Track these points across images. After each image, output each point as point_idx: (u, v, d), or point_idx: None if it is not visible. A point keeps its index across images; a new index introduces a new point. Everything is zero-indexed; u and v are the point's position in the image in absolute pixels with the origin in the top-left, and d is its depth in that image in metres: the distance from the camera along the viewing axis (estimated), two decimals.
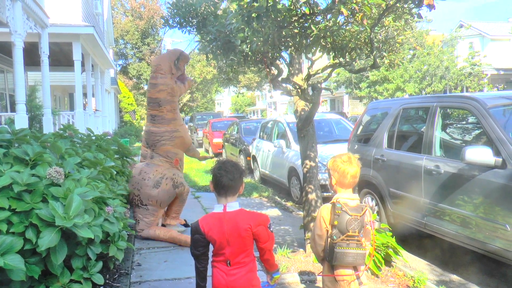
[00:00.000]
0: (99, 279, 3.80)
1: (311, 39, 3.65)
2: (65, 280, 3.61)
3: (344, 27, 3.76)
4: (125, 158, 7.17)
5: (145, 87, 44.76)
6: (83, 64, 14.51)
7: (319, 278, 4.62)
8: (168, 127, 5.93)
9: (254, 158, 12.24)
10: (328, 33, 3.54)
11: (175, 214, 6.18)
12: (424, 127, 5.53)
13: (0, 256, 3.06)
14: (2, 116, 11.42)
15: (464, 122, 5.37)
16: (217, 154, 18.84)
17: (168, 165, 5.95)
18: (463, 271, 5.05)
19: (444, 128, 5.40)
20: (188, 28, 4.48)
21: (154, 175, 5.82)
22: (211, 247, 2.72)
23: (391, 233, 5.02)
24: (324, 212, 2.86)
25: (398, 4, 3.45)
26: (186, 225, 6.31)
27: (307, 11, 3.34)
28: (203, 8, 4.28)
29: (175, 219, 6.17)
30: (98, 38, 14.30)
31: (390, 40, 4.78)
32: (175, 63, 5.85)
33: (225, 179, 2.62)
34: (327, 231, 2.82)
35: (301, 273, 4.70)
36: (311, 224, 5.04)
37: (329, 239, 2.79)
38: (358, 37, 3.98)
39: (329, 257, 2.79)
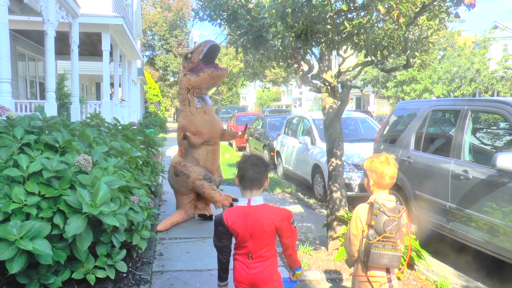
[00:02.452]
0: (122, 267, 3.86)
1: (343, 35, 3.60)
2: (89, 266, 3.67)
3: (378, 24, 3.70)
4: (150, 149, 7.25)
5: (172, 79, 45.13)
6: (111, 54, 14.69)
7: (345, 277, 4.59)
8: (179, 118, 6.44)
9: (278, 153, 12.22)
10: (361, 30, 3.49)
11: (207, 200, 6.38)
12: (454, 130, 5.41)
13: (30, 240, 3.12)
14: (32, 103, 11.64)
15: (495, 127, 5.23)
16: (241, 148, 18.88)
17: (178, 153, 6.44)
18: (488, 280, 4.94)
19: (474, 132, 5.28)
20: (218, 21, 4.47)
21: (170, 162, 6.49)
22: (234, 240, 2.72)
23: (414, 236, 4.95)
24: (361, 211, 2.82)
25: (435, 2, 3.37)
26: (210, 218, 6.38)
27: (344, 7, 3.29)
28: (234, 1, 4.26)
29: (216, 200, 5.96)
30: (127, 29, 14.45)
31: (423, 39, 4.69)
32: (187, 57, 6.13)
33: (251, 172, 2.62)
34: (363, 231, 2.77)
35: (325, 272, 4.67)
36: (335, 223, 5.00)
37: (364, 239, 2.75)
38: (392, 35, 3.91)
39: (365, 258, 2.75)
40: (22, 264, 3.13)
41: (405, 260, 2.87)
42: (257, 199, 2.65)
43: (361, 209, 2.83)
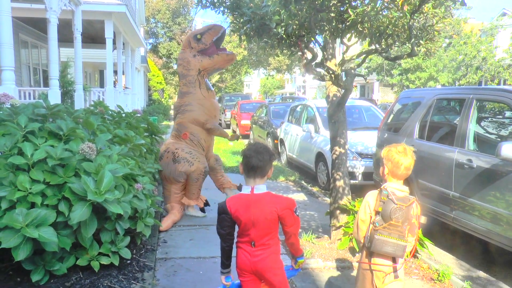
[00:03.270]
0: (126, 254, 3.89)
1: (347, 23, 3.57)
2: (94, 253, 3.71)
3: (383, 12, 3.66)
4: (154, 136, 7.25)
5: (175, 67, 45.01)
6: (114, 42, 14.66)
7: (348, 265, 4.61)
8: (182, 100, 6.12)
9: (282, 141, 12.21)
10: (365, 18, 3.46)
11: (189, 193, 6.06)
12: (458, 119, 5.39)
13: (35, 228, 3.15)
14: (36, 91, 11.66)
15: (500, 116, 5.20)
16: (245, 136, 18.89)
17: (176, 139, 6.11)
18: (491, 268, 4.96)
19: (479, 121, 5.25)
20: (221, 9, 4.44)
21: (162, 148, 6.16)
22: (237, 228, 2.73)
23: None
24: (370, 197, 2.84)
25: None
26: (206, 204, 6.32)
27: None
28: None
29: (192, 199, 6.07)
30: (130, 17, 14.39)
31: (428, 27, 4.65)
32: (196, 37, 5.99)
33: (255, 160, 2.62)
34: (371, 217, 2.79)
35: (327, 260, 4.69)
36: (338, 212, 5.02)
37: (371, 225, 2.76)
38: (396, 23, 3.87)
39: (369, 244, 2.76)
40: (27, 252, 3.17)
41: (410, 253, 2.85)
42: (260, 187, 2.66)
43: (371, 195, 2.85)
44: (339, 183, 5.03)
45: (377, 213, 2.74)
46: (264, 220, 2.61)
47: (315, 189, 8.69)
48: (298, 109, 11.78)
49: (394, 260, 2.79)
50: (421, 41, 4.67)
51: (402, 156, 2.75)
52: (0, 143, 3.56)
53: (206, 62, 5.99)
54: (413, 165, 2.81)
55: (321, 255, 4.81)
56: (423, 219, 2.85)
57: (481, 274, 4.81)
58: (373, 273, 2.81)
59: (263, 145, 2.77)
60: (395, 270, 2.78)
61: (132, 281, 3.73)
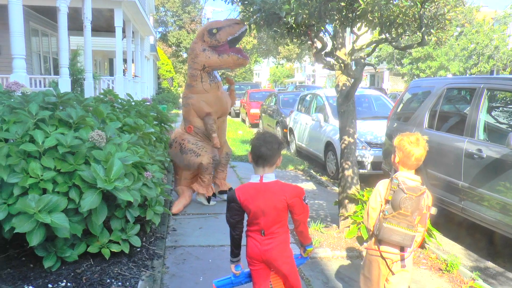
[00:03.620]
0: (136, 241, 3.94)
1: (357, 13, 3.55)
2: (104, 240, 3.76)
3: (393, 1, 3.63)
4: (163, 125, 7.29)
5: (184, 55, 45.00)
6: (124, 31, 14.67)
7: (356, 254, 4.63)
8: (186, 92, 6.08)
9: (291, 130, 12.21)
10: (376, 7, 3.43)
11: (200, 180, 6.08)
12: (468, 108, 5.35)
13: (47, 214, 3.20)
14: (46, 79, 11.74)
15: None
16: (254, 125, 18.89)
17: (184, 130, 6.14)
18: (499, 259, 4.95)
19: (489, 111, 5.21)
20: None
21: (171, 136, 6.24)
22: (246, 216, 2.75)
23: None
24: (381, 186, 2.84)
25: None
26: (214, 195, 6.24)
27: None
28: None
29: (201, 186, 6.08)
30: (139, 5, 14.39)
31: (439, 16, 4.59)
32: (212, 31, 5.70)
33: (264, 149, 2.63)
34: (381, 205, 2.79)
35: (336, 249, 4.71)
36: (346, 201, 5.02)
37: (381, 213, 2.76)
38: (407, 12, 3.83)
39: (377, 232, 2.77)
40: (41, 237, 3.23)
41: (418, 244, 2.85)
42: (269, 176, 2.67)
43: (382, 184, 2.85)
44: (348, 172, 5.03)
45: (387, 201, 2.74)
46: (273, 209, 2.62)
47: (324, 178, 8.70)
48: (308, 98, 11.74)
49: (402, 249, 2.79)
50: (432, 30, 4.62)
51: (414, 147, 2.73)
52: (11, 131, 3.61)
53: (214, 60, 5.73)
54: (425, 156, 2.79)
55: (329, 244, 4.83)
56: (434, 210, 2.83)
57: (490, 264, 4.81)
58: (381, 260, 2.82)
59: (271, 134, 2.78)
60: (402, 259, 2.79)
61: (142, 269, 3.78)
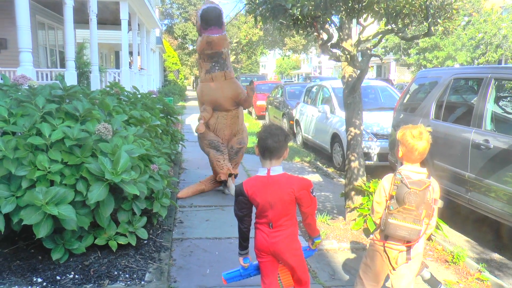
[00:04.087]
0: (143, 234, 3.96)
1: (363, 4, 3.52)
2: (111, 233, 3.79)
3: None
4: (169, 117, 7.29)
5: (190, 47, 44.91)
6: (129, 23, 14.65)
7: (363, 246, 4.63)
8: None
9: (297, 122, 12.19)
10: None
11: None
12: (476, 99, 5.31)
13: (55, 206, 3.22)
14: (52, 72, 11.77)
15: None
16: (260, 117, 18.87)
17: None
18: (506, 251, 4.94)
19: (497, 101, 5.17)
20: None
21: None
22: (254, 209, 2.75)
23: None
24: (385, 181, 2.82)
25: None
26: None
27: None
28: None
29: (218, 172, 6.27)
30: None
31: (446, 6, 4.55)
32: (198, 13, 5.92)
33: (270, 142, 2.62)
34: (386, 200, 2.77)
35: (342, 241, 4.72)
36: (352, 193, 5.02)
37: (386, 209, 2.75)
38: (413, 2, 3.80)
39: (383, 227, 2.76)
40: (48, 229, 3.26)
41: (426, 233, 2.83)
42: (276, 168, 2.66)
43: (386, 179, 2.83)
44: (354, 164, 5.02)
45: (391, 196, 2.72)
46: (281, 202, 2.62)
47: (330, 170, 8.69)
48: (314, 89, 11.71)
49: (408, 242, 2.77)
50: (439, 20, 4.58)
51: (417, 141, 2.69)
52: (19, 124, 3.63)
53: (198, 44, 5.96)
54: (429, 149, 2.75)
55: (335, 236, 4.84)
56: (440, 203, 2.80)
57: (496, 256, 4.79)
58: (386, 252, 2.82)
59: (278, 126, 2.76)
60: (408, 252, 2.78)
61: (149, 261, 3.81)
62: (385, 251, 2.82)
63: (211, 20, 5.73)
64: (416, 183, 2.67)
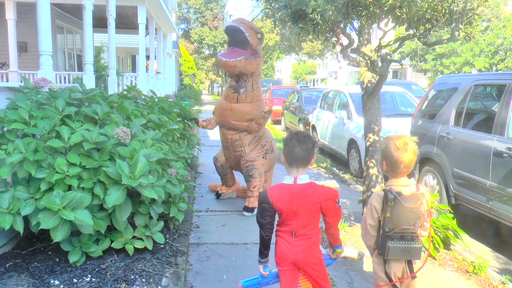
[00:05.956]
0: (160, 238, 3.95)
1: (385, 9, 3.48)
2: (128, 236, 3.78)
3: None
4: (186, 121, 7.29)
5: (206, 52, 45.06)
6: (147, 27, 14.74)
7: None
8: None
9: (314, 127, 12.11)
10: (404, 2, 3.35)
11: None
12: (497, 105, 5.20)
13: (71, 210, 3.23)
14: (70, 75, 11.89)
15: None
16: (276, 122, 18.81)
17: None
18: None
19: None
20: None
21: None
22: (277, 217, 2.70)
23: (452, 215, 4.85)
24: (375, 201, 2.57)
25: None
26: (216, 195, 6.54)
27: None
28: None
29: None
30: (163, 2, 14.45)
31: (468, 11, 4.48)
32: None
33: (298, 150, 2.57)
34: (380, 221, 2.56)
35: (360, 249, 4.64)
36: None
37: (381, 230, 2.55)
38: (436, 7, 3.74)
39: (381, 250, 2.55)
40: (65, 233, 3.26)
41: (426, 250, 2.67)
42: (303, 177, 2.61)
43: (376, 198, 2.59)
44: (373, 171, 4.96)
45: (385, 218, 2.51)
46: (306, 211, 2.58)
47: (347, 176, 8.61)
48: (331, 95, 11.63)
49: (409, 261, 2.59)
50: (460, 25, 4.52)
51: (401, 153, 2.46)
52: (39, 126, 3.65)
53: None
54: (415, 161, 2.51)
55: (353, 244, 4.77)
56: (436, 215, 2.68)
57: None
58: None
59: (305, 133, 2.69)
60: (412, 271, 2.59)
61: (165, 266, 3.79)
62: (388, 279, 2.62)
63: (230, 41, 5.66)
64: (410, 199, 2.48)
